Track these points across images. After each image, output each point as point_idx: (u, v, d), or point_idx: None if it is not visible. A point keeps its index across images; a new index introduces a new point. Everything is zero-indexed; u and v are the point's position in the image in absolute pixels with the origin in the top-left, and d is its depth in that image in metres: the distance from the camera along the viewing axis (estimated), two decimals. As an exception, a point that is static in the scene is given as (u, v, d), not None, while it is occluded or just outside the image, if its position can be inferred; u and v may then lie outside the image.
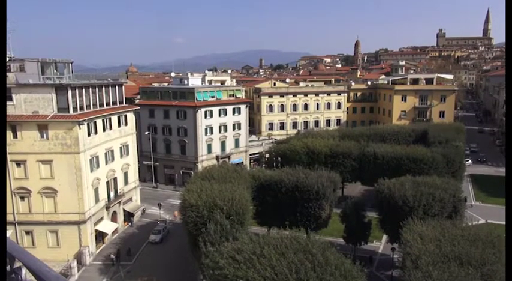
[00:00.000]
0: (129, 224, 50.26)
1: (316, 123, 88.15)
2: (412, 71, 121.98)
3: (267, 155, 60.04)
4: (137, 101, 67.63)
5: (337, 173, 40.82)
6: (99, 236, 43.89)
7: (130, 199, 51.10)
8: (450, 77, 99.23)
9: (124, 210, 49.20)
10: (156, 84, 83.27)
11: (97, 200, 42.82)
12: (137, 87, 77.08)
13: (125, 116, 49.03)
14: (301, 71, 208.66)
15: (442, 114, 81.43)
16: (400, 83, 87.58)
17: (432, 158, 46.44)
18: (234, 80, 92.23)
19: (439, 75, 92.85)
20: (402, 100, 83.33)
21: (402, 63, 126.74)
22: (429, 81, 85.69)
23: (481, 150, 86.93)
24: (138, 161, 55.71)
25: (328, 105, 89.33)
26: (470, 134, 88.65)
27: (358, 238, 36.43)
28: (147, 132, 65.77)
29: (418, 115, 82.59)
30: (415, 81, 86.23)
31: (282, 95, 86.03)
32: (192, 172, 50.02)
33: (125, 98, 51.27)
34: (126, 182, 49.45)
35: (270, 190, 37.12)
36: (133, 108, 52.05)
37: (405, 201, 31.65)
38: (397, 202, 32.16)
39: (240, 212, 28.68)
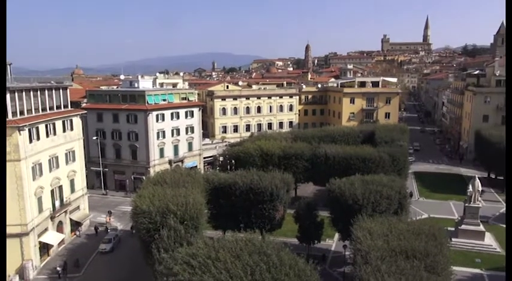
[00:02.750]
0: (77, 234, 47.89)
1: (270, 125, 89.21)
2: (359, 75, 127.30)
3: (221, 158, 59.82)
4: (84, 105, 64.71)
5: (290, 174, 41.47)
6: (44, 248, 41.33)
7: (78, 208, 48.70)
8: (394, 80, 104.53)
9: (71, 219, 46.78)
10: (104, 87, 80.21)
11: (41, 210, 40.34)
12: (84, 90, 73.80)
13: (71, 120, 46.71)
14: (254, 74, 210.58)
15: (387, 115, 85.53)
16: (348, 86, 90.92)
17: (379, 158, 48.66)
18: (187, 83, 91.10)
19: (384, 78, 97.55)
20: (351, 102, 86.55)
21: (350, 66, 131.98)
22: (375, 84, 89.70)
23: (423, 148, 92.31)
24: (86, 167, 53.27)
25: (281, 108, 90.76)
26: (413, 134, 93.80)
27: (312, 237, 37.26)
28: (95, 137, 63.09)
29: (366, 117, 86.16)
30: (362, 84, 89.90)
31: (235, 97, 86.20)
32: (144, 177, 48.60)
33: (71, 101, 48.80)
34: (72, 190, 47.08)
35: (225, 193, 37.01)
36: (80, 113, 49.75)
37: (355, 199, 32.85)
38: (347, 200, 33.28)
39: (194, 217, 28.31)
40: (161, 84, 78.28)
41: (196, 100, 75.37)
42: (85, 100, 67.74)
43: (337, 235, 40.59)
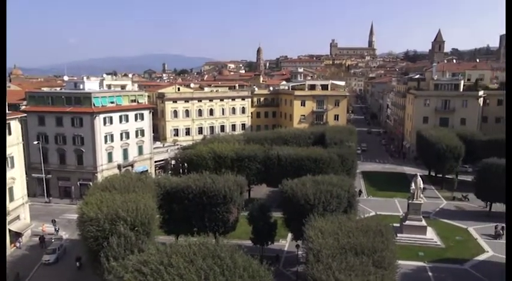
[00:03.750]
0: (17, 245, 44.73)
1: (222, 128, 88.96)
2: (309, 78, 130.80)
3: (173, 162, 58.79)
4: (23, 108, 60.66)
5: (243, 177, 41.63)
6: (-21, 262, 38.19)
7: (18, 217, 45.54)
8: (342, 83, 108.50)
9: (10, 230, 43.60)
10: (46, 89, 75.61)
11: (-25, 221, 37.26)
12: (23, 91, 69.17)
13: (8, 124, 43.65)
14: (206, 76, 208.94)
15: (336, 117, 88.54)
16: (299, 89, 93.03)
17: (329, 158, 50.21)
18: (136, 85, 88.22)
19: (333, 81, 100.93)
20: (301, 105, 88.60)
21: (301, 70, 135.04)
22: (325, 87, 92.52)
23: (370, 149, 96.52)
24: (26, 174, 49.97)
25: (234, 110, 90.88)
26: (361, 135, 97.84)
27: (265, 238, 37.58)
28: (36, 142, 59.37)
29: (316, 119, 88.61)
30: (312, 87, 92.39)
31: (186, 100, 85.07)
32: (91, 183, 46.44)
33: (8, 104, 45.61)
34: (11, 199, 43.95)
35: (177, 197, 36.36)
36: (19, 116, 46.62)
37: (307, 199, 33.60)
38: (299, 200, 33.97)
39: (145, 222, 27.54)
40: (108, 86, 75.36)
41: (147, 102, 73.45)
42: (24, 102, 63.56)
43: (290, 235, 41.26)
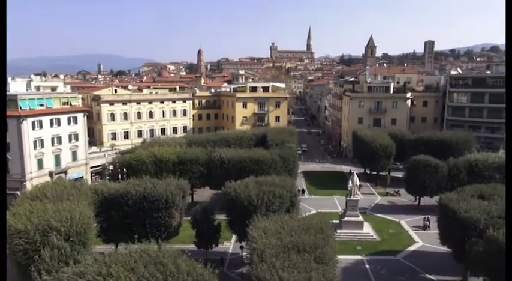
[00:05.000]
0: None
1: (163, 131, 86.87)
2: (250, 80, 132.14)
3: (111, 167, 56.19)
4: None
5: (186, 180, 40.93)
6: None
7: None
8: (282, 85, 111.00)
9: None
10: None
11: None
12: None
13: None
14: (145, 77, 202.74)
15: (277, 119, 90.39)
16: (240, 91, 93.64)
17: (271, 159, 51.08)
18: (69, 87, 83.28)
19: (274, 84, 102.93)
20: (243, 107, 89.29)
21: (242, 72, 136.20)
22: (265, 89, 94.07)
23: (310, 149, 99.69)
24: None
25: (174, 113, 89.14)
26: (301, 136, 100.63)
27: (209, 241, 37.29)
28: (-47, 149, 53.70)
29: (258, 120, 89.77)
30: (254, 89, 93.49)
31: (124, 102, 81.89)
32: (19, 193, 42.97)
33: None
34: None
35: (116, 203, 34.84)
36: None
37: (250, 201, 33.89)
38: (242, 202, 34.16)
39: (81, 232, 26.06)
40: (37, 88, 70.40)
41: (81, 105, 69.59)
42: None
43: (234, 237, 41.28)
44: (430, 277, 36.39)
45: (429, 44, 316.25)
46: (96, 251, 26.56)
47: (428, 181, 52.24)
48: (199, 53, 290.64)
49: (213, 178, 51.79)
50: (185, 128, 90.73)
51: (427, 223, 47.96)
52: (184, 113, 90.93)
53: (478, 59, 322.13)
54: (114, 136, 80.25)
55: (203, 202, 45.47)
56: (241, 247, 35.55)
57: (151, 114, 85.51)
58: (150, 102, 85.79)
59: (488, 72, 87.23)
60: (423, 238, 45.05)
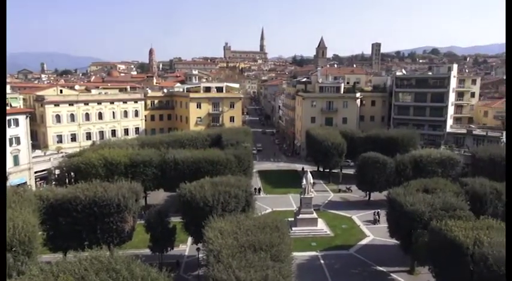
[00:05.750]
0: None
1: (114, 132, 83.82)
2: (204, 80, 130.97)
3: (57, 172, 53.37)
4: None
5: (139, 183, 39.81)
6: None
7: None
8: (237, 85, 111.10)
9: None
10: None
11: None
12: None
13: None
14: (93, 77, 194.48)
15: (232, 119, 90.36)
16: (194, 91, 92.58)
17: (226, 159, 50.96)
18: (8, 86, 77.97)
19: (228, 84, 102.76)
20: (197, 107, 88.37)
21: (195, 72, 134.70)
22: (220, 89, 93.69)
23: (265, 148, 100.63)
24: None
25: (125, 114, 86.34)
26: (256, 136, 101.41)
27: (164, 244, 36.49)
28: None
29: (212, 121, 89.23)
30: (208, 90, 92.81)
31: (71, 103, 78.08)
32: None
33: None
34: None
35: (64, 209, 33.12)
36: None
37: (205, 202, 33.62)
38: (198, 203, 33.81)
39: (25, 241, 24.50)
40: (-27, 88, 65.18)
41: (22, 106, 65.40)
42: None
43: (190, 239, 40.72)
44: (381, 268, 38.07)
45: (376, 46, 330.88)
46: (42, 261, 25.08)
47: (377, 177, 54.61)
48: (150, 52, 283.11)
49: (167, 179, 50.77)
50: (137, 129, 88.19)
51: (377, 217, 50.10)
52: (136, 113, 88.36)
53: (420, 61, 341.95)
54: (60, 139, 76.23)
55: (157, 205, 44.42)
56: (198, 249, 35.15)
57: (100, 116, 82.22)
58: (99, 102, 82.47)
59: (430, 73, 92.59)
60: (373, 231, 47.02)
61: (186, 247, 42.69)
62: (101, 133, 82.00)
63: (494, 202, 38.69)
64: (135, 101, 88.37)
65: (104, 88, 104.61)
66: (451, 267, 26.30)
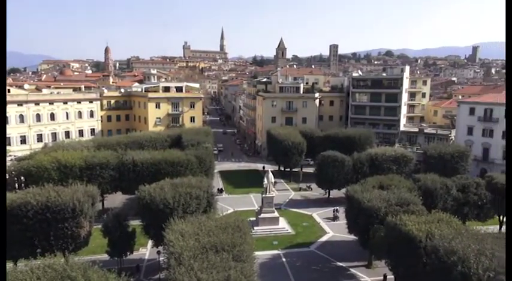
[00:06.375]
0: None
1: (67, 134, 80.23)
2: (163, 80, 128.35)
3: (6, 176, 50.27)
4: None
5: (95, 186, 38.39)
6: None
7: None
8: (197, 85, 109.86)
9: None
10: None
11: None
12: None
13: None
14: (44, 76, 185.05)
15: (192, 119, 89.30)
16: (153, 91, 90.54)
17: (187, 160, 50.28)
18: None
19: (188, 84, 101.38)
20: (156, 107, 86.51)
21: (154, 71, 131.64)
22: (179, 89, 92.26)
23: (226, 149, 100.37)
24: None
25: (80, 114, 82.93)
26: (217, 136, 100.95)
27: (123, 249, 35.42)
28: None
29: (172, 121, 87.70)
30: (167, 89, 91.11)
31: (20, 103, 73.85)
32: None
33: None
34: None
35: (13, 216, 31.24)
36: None
37: (166, 203, 33.00)
38: (158, 205, 33.12)
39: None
40: None
41: (-35, 107, 61.05)
42: None
43: (150, 242, 39.84)
44: (340, 264, 39.12)
45: (334, 48, 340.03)
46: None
47: (336, 175, 56.07)
48: (106, 50, 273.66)
49: (125, 182, 49.32)
50: (93, 130, 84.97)
51: (336, 214, 51.43)
52: (92, 114, 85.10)
53: (375, 62, 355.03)
54: (8, 141, 71.89)
55: (115, 208, 43.10)
56: (158, 252, 34.46)
57: (52, 116, 78.42)
58: (51, 103, 78.62)
59: (384, 74, 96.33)
60: (333, 228, 48.22)
61: (146, 251, 41.71)
62: (54, 135, 78.24)
63: (444, 197, 40.97)
64: (90, 101, 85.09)
65: (57, 88, 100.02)
66: (406, 259, 27.50)
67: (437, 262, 23.55)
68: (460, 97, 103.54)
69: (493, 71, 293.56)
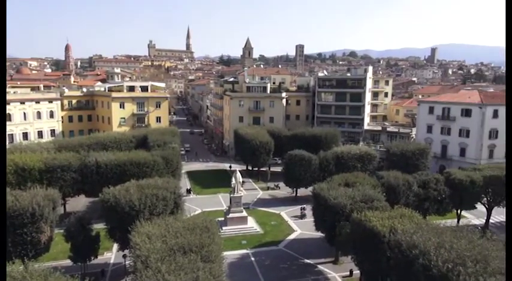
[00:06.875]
0: None
1: (25, 135, 76.59)
2: (128, 79, 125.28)
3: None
4: None
5: (56, 189, 36.97)
6: None
7: None
8: (162, 85, 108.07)
9: None
10: None
11: None
12: None
13: None
14: None
15: (158, 119, 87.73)
16: (117, 91, 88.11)
17: (153, 161, 49.31)
18: None
19: (153, 83, 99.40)
20: (120, 107, 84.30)
21: (118, 70, 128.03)
22: (144, 88, 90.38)
23: (194, 149, 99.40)
24: None
25: (39, 115, 79.39)
26: (184, 136, 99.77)
27: (87, 253, 34.30)
28: None
29: (137, 121, 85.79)
30: (132, 89, 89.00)
31: (-27, 103, 69.77)
32: None
33: None
34: None
35: (-34, 223, 29.52)
36: None
37: (131, 206, 32.22)
38: (123, 208, 32.28)
39: None
40: None
41: None
42: None
43: (115, 246, 38.86)
44: (308, 261, 39.73)
45: (300, 48, 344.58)
46: None
47: (303, 174, 56.85)
48: (66, 48, 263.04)
49: (88, 184, 47.73)
50: (53, 131, 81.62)
51: (304, 212, 52.18)
52: (52, 114, 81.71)
53: (340, 63, 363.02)
54: (-40, 144, 67.77)
55: (78, 212, 41.56)
56: (124, 256, 33.64)
57: (9, 117, 74.62)
58: (8, 103, 74.77)
59: (349, 74, 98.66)
60: (301, 226, 48.88)
61: (111, 255, 40.62)
62: (10, 136, 74.45)
63: (406, 193, 42.49)
64: (50, 101, 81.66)
65: (13, 87, 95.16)
66: (371, 254, 28.30)
67: (400, 256, 24.39)
68: (420, 97, 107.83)
69: (450, 71, 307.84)
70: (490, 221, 49.60)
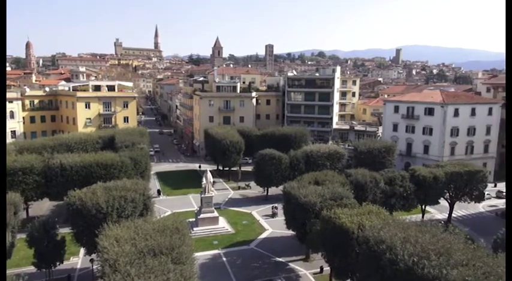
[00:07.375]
0: None
1: (-16, 137, 72.86)
2: (93, 78, 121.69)
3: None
4: None
5: (17, 193, 35.55)
6: None
7: None
8: (130, 84, 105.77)
9: None
10: None
11: None
12: None
13: None
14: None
15: (126, 119, 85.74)
16: (82, 90, 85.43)
17: (121, 162, 48.16)
18: None
19: (120, 82, 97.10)
20: (86, 107, 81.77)
21: (83, 69, 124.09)
22: (111, 88, 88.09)
23: (163, 149, 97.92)
24: None
25: (-2, 115, 75.66)
26: (153, 136, 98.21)
27: (52, 259, 33.04)
28: None
29: (104, 122, 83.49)
30: (98, 88, 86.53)
31: None
32: None
33: None
34: None
35: None
36: None
37: (98, 209, 31.34)
38: (90, 211, 31.35)
39: None
40: None
41: None
42: None
43: (82, 250, 37.68)
44: (279, 259, 40.03)
45: (269, 48, 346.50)
46: None
47: (274, 173, 57.21)
48: (27, 45, 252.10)
49: (52, 187, 45.99)
50: (14, 132, 78.01)
51: (275, 210, 52.51)
52: (12, 115, 78.05)
53: (309, 63, 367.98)
54: None
55: (42, 216, 40.01)
56: (92, 260, 32.69)
57: (-35, 118, 70.70)
58: (-37, 103, 70.83)
59: (317, 74, 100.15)
60: (272, 225, 49.17)
61: (78, 260, 39.37)
62: (-33, 138, 70.59)
63: (373, 190, 43.64)
64: (10, 101, 77.93)
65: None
66: (340, 251, 28.89)
67: (368, 251, 25.02)
68: (385, 96, 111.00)
69: (414, 72, 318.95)
70: (452, 215, 51.85)
